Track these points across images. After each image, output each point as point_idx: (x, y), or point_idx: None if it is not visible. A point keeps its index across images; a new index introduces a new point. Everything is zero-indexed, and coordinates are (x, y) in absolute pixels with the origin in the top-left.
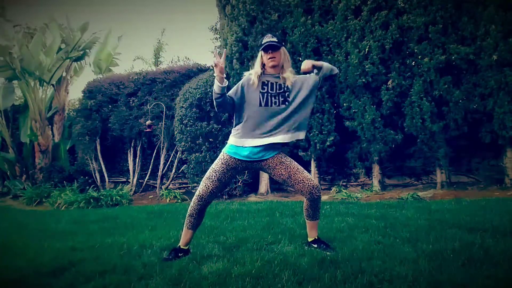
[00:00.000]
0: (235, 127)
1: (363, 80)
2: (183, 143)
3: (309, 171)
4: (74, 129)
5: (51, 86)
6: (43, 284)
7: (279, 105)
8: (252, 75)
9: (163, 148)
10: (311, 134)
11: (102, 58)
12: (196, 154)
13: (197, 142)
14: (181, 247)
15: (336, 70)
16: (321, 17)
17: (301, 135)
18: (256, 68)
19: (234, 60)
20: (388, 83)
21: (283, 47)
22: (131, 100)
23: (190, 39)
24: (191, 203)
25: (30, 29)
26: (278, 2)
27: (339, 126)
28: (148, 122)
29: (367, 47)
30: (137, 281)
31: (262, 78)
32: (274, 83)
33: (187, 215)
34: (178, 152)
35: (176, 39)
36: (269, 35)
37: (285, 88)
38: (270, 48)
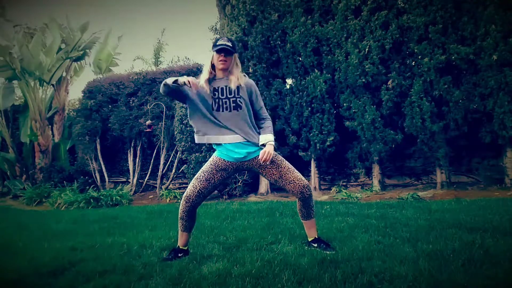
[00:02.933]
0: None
1: (363, 80)
2: (183, 143)
3: (309, 171)
4: (74, 129)
5: (51, 86)
6: (43, 284)
7: (231, 111)
8: (201, 79)
9: (163, 148)
10: (311, 134)
11: (102, 58)
12: (196, 154)
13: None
14: (180, 247)
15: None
16: (321, 17)
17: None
18: (204, 73)
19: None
20: (388, 83)
21: (236, 54)
22: (131, 100)
23: (190, 39)
24: (180, 206)
25: (30, 29)
26: (278, 2)
27: (339, 126)
28: (148, 122)
29: (367, 47)
30: (137, 281)
31: (213, 83)
32: (224, 88)
33: (178, 218)
34: (178, 152)
35: (176, 39)
36: (226, 38)
37: (236, 93)
38: (223, 51)
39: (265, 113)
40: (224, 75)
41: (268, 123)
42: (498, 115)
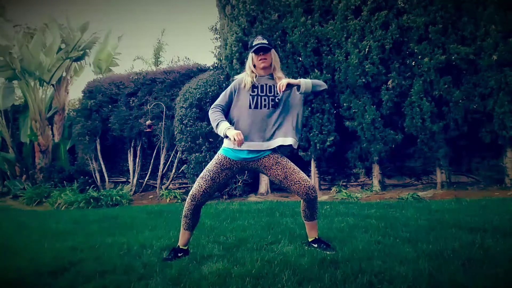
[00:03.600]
0: None
1: (363, 80)
2: (183, 143)
3: (309, 171)
4: (74, 129)
5: (51, 86)
6: (43, 284)
7: (268, 108)
8: (245, 77)
9: (163, 148)
10: (311, 134)
11: (102, 58)
12: (196, 154)
13: (197, 142)
14: (180, 247)
15: (323, 86)
16: (321, 17)
17: (289, 141)
18: (248, 71)
19: (234, 60)
20: (388, 83)
21: (273, 49)
22: (131, 100)
23: (190, 39)
24: (185, 204)
25: (30, 29)
26: (278, 2)
27: (339, 126)
28: (148, 122)
29: (367, 47)
30: (137, 281)
31: (254, 80)
32: (265, 85)
33: (182, 216)
34: (178, 152)
35: (176, 39)
36: (260, 37)
37: (276, 92)
38: (261, 50)
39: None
40: (266, 73)
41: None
42: (498, 115)
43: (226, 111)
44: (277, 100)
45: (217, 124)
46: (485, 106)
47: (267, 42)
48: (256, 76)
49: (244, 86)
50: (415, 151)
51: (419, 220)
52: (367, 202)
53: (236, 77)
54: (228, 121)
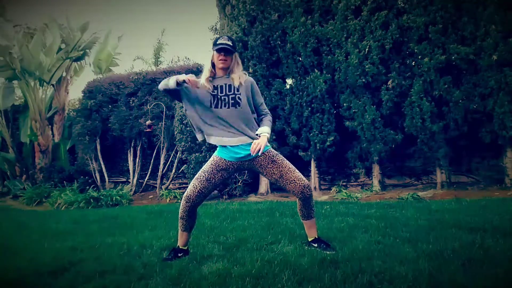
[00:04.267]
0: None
1: (363, 80)
2: (183, 143)
3: (309, 171)
4: (74, 129)
5: (51, 86)
6: (43, 284)
7: (229, 107)
8: (202, 78)
9: (163, 148)
10: (311, 134)
11: (102, 58)
12: (196, 154)
13: (197, 142)
14: (180, 247)
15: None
16: (321, 17)
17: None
18: (205, 72)
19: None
20: (388, 83)
21: (236, 53)
22: (131, 100)
23: (190, 39)
24: (180, 205)
25: (30, 29)
26: (278, 2)
27: (339, 126)
28: (148, 122)
29: (367, 47)
30: (137, 281)
31: (213, 81)
32: (224, 85)
33: (178, 218)
34: (178, 152)
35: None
36: (226, 37)
37: (235, 90)
38: (223, 51)
39: (265, 109)
40: (225, 74)
41: (267, 117)
42: (498, 115)
43: (183, 95)
44: (237, 99)
45: (168, 81)
46: (485, 106)
47: (231, 44)
48: (214, 75)
49: (202, 87)
50: (415, 151)
51: (419, 220)
52: (367, 202)
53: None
54: (192, 121)
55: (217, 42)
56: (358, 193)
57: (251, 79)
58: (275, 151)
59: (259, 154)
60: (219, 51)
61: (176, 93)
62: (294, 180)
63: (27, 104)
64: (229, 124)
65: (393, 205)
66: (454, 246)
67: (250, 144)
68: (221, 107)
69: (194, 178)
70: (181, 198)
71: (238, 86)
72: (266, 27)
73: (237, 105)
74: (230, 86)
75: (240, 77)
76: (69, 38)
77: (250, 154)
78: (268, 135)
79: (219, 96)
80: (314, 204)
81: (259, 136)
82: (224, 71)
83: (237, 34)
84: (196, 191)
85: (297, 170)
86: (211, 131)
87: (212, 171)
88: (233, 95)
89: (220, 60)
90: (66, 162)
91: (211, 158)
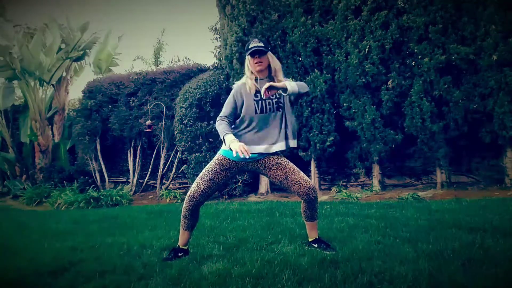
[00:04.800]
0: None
1: (363, 80)
2: (183, 143)
3: (309, 171)
4: (74, 129)
5: (51, 86)
6: (43, 284)
7: (273, 111)
8: (247, 81)
9: (163, 148)
10: (311, 134)
11: (102, 58)
12: (196, 154)
13: (197, 142)
14: (180, 247)
15: (307, 88)
16: (321, 17)
17: (293, 143)
18: (249, 75)
19: (234, 60)
20: (388, 83)
21: (270, 52)
22: (131, 100)
23: (190, 39)
24: (183, 204)
25: (30, 29)
26: (278, 2)
27: (339, 126)
28: (148, 122)
29: (367, 47)
30: (137, 281)
31: (256, 84)
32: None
33: (181, 217)
34: (178, 152)
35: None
36: (256, 40)
37: (277, 94)
38: (257, 53)
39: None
40: (263, 75)
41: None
42: (498, 115)
43: (232, 120)
44: (280, 104)
45: (224, 137)
46: (485, 106)
47: (262, 45)
48: (256, 78)
49: (249, 91)
50: (415, 151)
51: (419, 220)
52: (367, 202)
53: (236, 82)
54: (238, 126)
55: (250, 47)
56: (358, 193)
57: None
58: (279, 153)
59: (265, 95)
60: (252, 54)
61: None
62: (299, 182)
63: (27, 104)
64: (272, 128)
65: (393, 205)
66: (454, 246)
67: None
68: (266, 112)
69: (198, 177)
70: (181, 198)
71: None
72: (266, 27)
73: (280, 108)
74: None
75: (283, 78)
76: (69, 38)
77: (255, 156)
78: (288, 83)
79: (263, 100)
80: (318, 207)
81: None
82: (263, 73)
83: (237, 34)
84: (200, 190)
85: (301, 172)
86: (251, 141)
87: (216, 170)
88: (276, 99)
89: (256, 63)
90: (66, 162)
91: (215, 157)
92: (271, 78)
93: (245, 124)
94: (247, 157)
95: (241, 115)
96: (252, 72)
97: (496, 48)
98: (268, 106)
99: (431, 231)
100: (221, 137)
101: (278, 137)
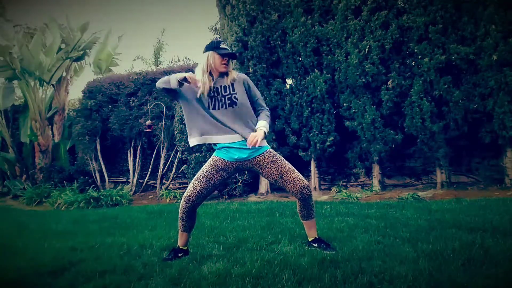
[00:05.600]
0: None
1: (363, 80)
2: (183, 143)
3: (309, 171)
4: (74, 129)
5: (51, 86)
6: (43, 284)
7: (226, 108)
8: (202, 80)
9: (163, 148)
10: (311, 134)
11: (102, 58)
12: (196, 154)
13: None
14: (180, 247)
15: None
16: (321, 17)
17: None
18: (203, 75)
19: (234, 60)
20: (388, 83)
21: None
22: (131, 100)
23: (190, 39)
24: (180, 206)
25: (30, 29)
26: (278, 2)
27: (339, 126)
28: (148, 122)
29: (367, 47)
30: (137, 281)
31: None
32: (220, 87)
33: (178, 218)
34: (178, 152)
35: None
36: (225, 43)
37: (231, 90)
38: (229, 57)
39: (262, 104)
40: (218, 75)
41: (264, 112)
42: (498, 115)
43: (181, 94)
44: (233, 99)
45: (168, 79)
46: (485, 106)
47: (235, 52)
48: (213, 78)
49: (203, 86)
50: (415, 151)
51: (419, 220)
52: (367, 202)
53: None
54: (189, 123)
55: (221, 46)
56: (358, 193)
57: (244, 75)
58: (274, 151)
59: (256, 146)
60: (224, 56)
61: (174, 92)
62: (294, 181)
63: (27, 104)
64: (226, 125)
65: (393, 205)
66: (454, 246)
67: (246, 144)
68: (218, 108)
69: (193, 179)
70: (181, 198)
71: (233, 85)
72: (266, 27)
73: (233, 105)
74: (225, 87)
75: (231, 73)
76: (69, 38)
77: (247, 155)
78: (266, 129)
79: (216, 98)
80: (314, 205)
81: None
82: (221, 73)
83: (237, 34)
84: (196, 191)
85: (296, 171)
86: (207, 131)
87: (211, 171)
88: (229, 95)
89: (223, 64)
90: (66, 162)
91: (210, 159)
92: (222, 77)
93: (195, 119)
94: (196, 85)
95: (193, 107)
96: (211, 71)
97: (496, 48)
98: (220, 103)
99: (431, 231)
100: (165, 80)
101: (235, 132)
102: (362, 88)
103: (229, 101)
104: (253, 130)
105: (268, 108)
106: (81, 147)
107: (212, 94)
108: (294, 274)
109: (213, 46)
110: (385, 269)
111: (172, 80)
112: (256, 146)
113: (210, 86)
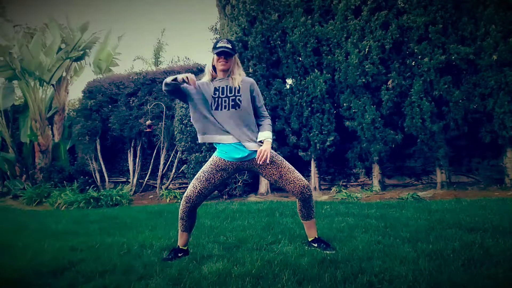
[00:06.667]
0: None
1: (363, 80)
2: (183, 143)
3: (309, 171)
4: (74, 129)
5: (51, 86)
6: (43, 284)
7: (229, 109)
8: (203, 80)
9: (163, 148)
10: (311, 134)
11: (102, 58)
12: (196, 154)
13: (197, 142)
14: (180, 247)
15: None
16: (321, 17)
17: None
18: (206, 74)
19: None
20: (388, 83)
21: (236, 55)
22: (131, 100)
23: (190, 39)
24: (180, 206)
25: (30, 29)
26: (278, 2)
27: (339, 126)
28: (148, 122)
29: (367, 47)
30: (137, 281)
31: (214, 83)
32: (225, 87)
33: (178, 218)
34: (178, 152)
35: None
36: (225, 40)
37: (236, 92)
38: (223, 54)
39: (264, 111)
40: (225, 76)
41: (267, 121)
42: (498, 115)
43: (187, 94)
44: (237, 101)
45: (164, 83)
46: (485, 106)
47: (231, 47)
48: (213, 79)
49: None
50: (415, 151)
51: (419, 220)
52: (367, 202)
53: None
54: (194, 122)
55: (217, 46)
56: (358, 193)
57: (252, 80)
58: (274, 151)
59: (267, 161)
60: (219, 54)
61: (180, 93)
62: (294, 181)
63: (27, 104)
64: (226, 125)
65: (393, 205)
66: (454, 246)
67: (242, 144)
68: (221, 109)
69: (194, 178)
70: (181, 198)
71: (239, 88)
72: (266, 27)
73: (237, 107)
74: (230, 88)
75: (239, 77)
76: (69, 38)
77: (246, 156)
78: (271, 140)
79: (219, 98)
80: (314, 205)
81: (262, 143)
82: (225, 73)
83: (237, 34)
84: (196, 191)
85: (296, 171)
86: (208, 131)
87: (211, 171)
88: (233, 97)
89: (220, 62)
90: (66, 162)
91: (211, 159)
92: (228, 78)
93: (200, 119)
94: (191, 84)
95: (197, 107)
96: (212, 71)
97: (496, 48)
98: (223, 104)
99: (431, 231)
100: (164, 84)
101: (236, 133)
102: (362, 88)
103: (233, 103)
104: (251, 136)
105: (269, 116)
106: (81, 147)
107: (216, 95)
108: (294, 274)
109: (213, 47)
110: (385, 269)
111: (168, 79)
112: (267, 161)
113: (214, 87)
